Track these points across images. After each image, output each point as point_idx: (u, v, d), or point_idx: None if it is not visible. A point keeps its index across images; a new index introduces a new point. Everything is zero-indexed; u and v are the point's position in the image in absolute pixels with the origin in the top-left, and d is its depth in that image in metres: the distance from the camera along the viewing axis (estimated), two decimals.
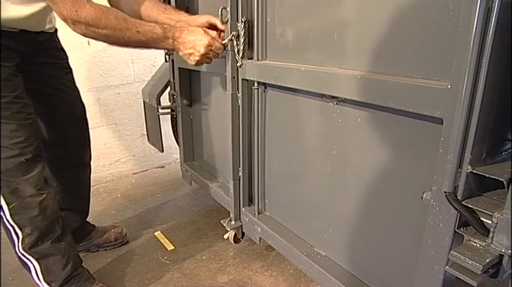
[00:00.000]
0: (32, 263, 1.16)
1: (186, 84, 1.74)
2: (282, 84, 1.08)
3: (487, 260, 0.66)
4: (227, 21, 1.17)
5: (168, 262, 1.52)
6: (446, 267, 0.73)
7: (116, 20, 1.00)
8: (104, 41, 1.04)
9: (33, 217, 1.11)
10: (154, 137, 1.91)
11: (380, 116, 0.87)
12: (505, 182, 0.63)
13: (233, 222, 1.47)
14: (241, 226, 1.48)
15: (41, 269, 1.17)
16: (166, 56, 1.73)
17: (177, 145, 1.98)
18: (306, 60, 1.02)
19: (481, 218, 0.69)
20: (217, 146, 1.67)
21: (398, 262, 0.92)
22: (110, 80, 2.18)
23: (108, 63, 2.15)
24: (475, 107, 0.63)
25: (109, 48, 2.07)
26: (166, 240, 1.67)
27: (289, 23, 1.07)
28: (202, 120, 1.74)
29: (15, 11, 1.04)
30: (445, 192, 0.69)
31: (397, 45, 0.78)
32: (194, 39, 1.11)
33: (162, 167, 2.55)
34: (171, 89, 1.80)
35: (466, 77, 0.61)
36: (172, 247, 1.62)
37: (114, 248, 1.60)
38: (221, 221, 1.51)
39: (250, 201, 1.46)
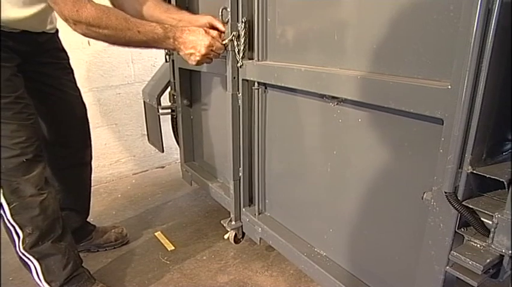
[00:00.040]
0: (32, 263, 1.16)
1: (186, 84, 1.74)
2: (283, 85, 1.08)
3: (488, 260, 0.66)
4: (227, 21, 1.17)
5: (168, 262, 1.52)
6: (447, 267, 0.73)
7: (117, 20, 1.01)
8: (105, 41, 1.04)
9: (33, 217, 1.11)
10: (155, 137, 1.91)
11: (380, 116, 0.87)
12: (505, 183, 0.64)
13: (233, 222, 1.47)
14: (242, 226, 1.48)
15: (41, 269, 1.18)
16: (167, 56, 1.73)
17: (177, 145, 1.98)
18: (307, 61, 1.02)
19: (482, 219, 0.69)
20: (218, 147, 1.67)
21: (399, 262, 0.92)
22: (110, 80, 2.18)
23: (109, 64, 2.15)
24: (476, 108, 0.63)
25: (109, 48, 2.08)
26: (167, 240, 1.67)
27: (290, 23, 1.07)
28: (203, 120, 1.74)
29: (16, 12, 1.04)
30: (445, 192, 0.69)
31: (397, 45, 0.78)
32: (195, 40, 1.11)
33: (163, 167, 2.55)
34: (171, 89, 1.80)
35: (466, 78, 0.62)
36: (173, 247, 1.62)
37: (115, 248, 1.60)
38: (221, 222, 1.51)
39: (251, 201, 1.46)
